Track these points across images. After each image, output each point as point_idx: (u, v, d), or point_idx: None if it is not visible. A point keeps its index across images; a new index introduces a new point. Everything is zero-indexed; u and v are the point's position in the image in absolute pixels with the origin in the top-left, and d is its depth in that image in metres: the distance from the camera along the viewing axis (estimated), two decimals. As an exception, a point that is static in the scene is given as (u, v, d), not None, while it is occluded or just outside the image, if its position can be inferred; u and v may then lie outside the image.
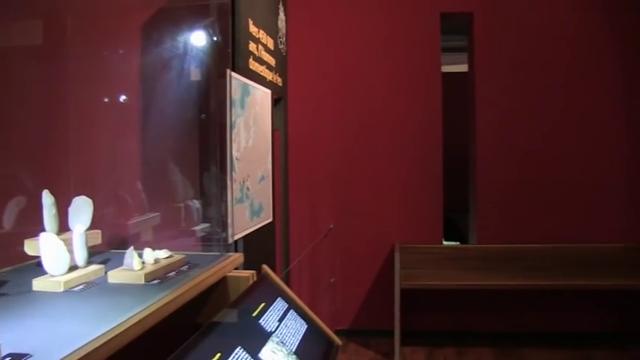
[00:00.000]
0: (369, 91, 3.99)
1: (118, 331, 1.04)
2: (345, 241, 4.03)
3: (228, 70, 1.97)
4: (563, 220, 3.92)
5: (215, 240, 1.99)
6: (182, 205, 2.46)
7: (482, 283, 3.64)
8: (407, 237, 3.97)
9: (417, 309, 4.03)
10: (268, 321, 1.61)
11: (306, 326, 1.78)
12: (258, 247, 2.50)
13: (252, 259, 2.15)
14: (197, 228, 2.30)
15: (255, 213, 2.43)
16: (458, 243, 4.58)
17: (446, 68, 5.06)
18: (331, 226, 3.99)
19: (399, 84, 3.98)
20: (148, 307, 1.20)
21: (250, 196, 2.33)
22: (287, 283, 3.30)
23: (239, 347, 1.36)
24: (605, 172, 3.91)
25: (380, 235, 4.00)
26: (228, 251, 1.94)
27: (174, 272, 1.53)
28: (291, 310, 1.79)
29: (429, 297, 3.99)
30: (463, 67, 4.41)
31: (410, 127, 3.97)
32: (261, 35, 2.67)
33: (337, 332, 4.03)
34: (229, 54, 1.97)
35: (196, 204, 2.42)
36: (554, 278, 3.63)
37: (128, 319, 1.11)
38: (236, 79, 2.18)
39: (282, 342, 1.56)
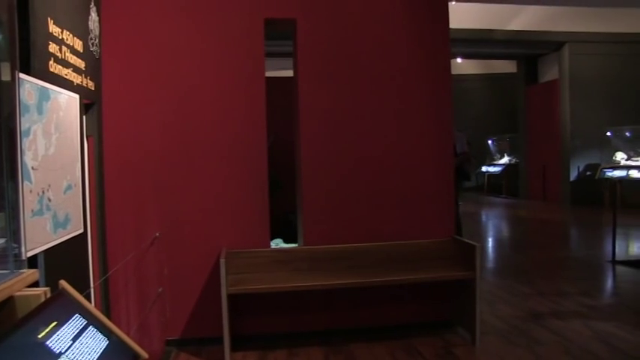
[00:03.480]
0: (192, 96, 3.93)
1: None
2: (173, 249, 3.94)
3: (16, 73, 1.82)
4: (383, 220, 4.17)
5: (10, 257, 1.83)
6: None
7: (310, 284, 3.75)
8: (234, 242, 3.97)
9: (249, 313, 4.04)
10: (58, 341, 1.50)
11: (106, 342, 1.70)
12: (64, 262, 2.34)
13: (58, 275, 2.00)
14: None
15: (60, 225, 2.27)
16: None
17: (280, 73, 5.13)
18: (157, 234, 3.87)
19: (223, 89, 3.97)
20: None
21: (52, 208, 2.18)
22: (106, 297, 3.14)
23: (16, 373, 1.26)
24: (419, 174, 4.23)
25: (208, 241, 3.96)
26: (21, 268, 1.80)
27: (-54, 296, 1.37)
28: (90, 327, 1.69)
29: (259, 301, 4.02)
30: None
31: (234, 132, 3.98)
32: (66, 36, 2.51)
33: (168, 342, 3.95)
34: (17, 55, 1.82)
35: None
36: (378, 275, 3.85)
37: None
38: (31, 83, 2.03)
39: (73, 362, 1.47)
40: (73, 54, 2.62)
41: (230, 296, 3.64)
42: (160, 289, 3.90)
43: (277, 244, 5.12)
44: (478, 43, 12.87)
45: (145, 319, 3.80)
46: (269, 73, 4.21)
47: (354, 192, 4.13)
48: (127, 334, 3.45)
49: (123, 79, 3.72)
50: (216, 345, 3.78)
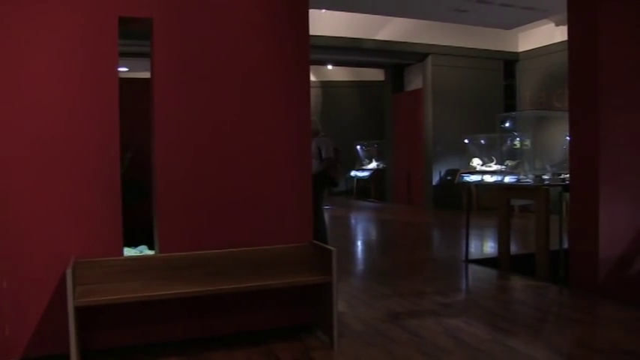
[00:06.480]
0: (36, 94, 3.66)
1: None
2: (15, 259, 3.62)
3: None
4: (240, 226, 4.14)
5: None
6: None
7: (165, 293, 3.63)
8: (85, 251, 3.75)
9: (102, 326, 3.83)
10: None
11: None
12: None
13: None
14: None
15: None
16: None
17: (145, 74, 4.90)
18: (-6, 245, 3.55)
19: (71, 89, 3.74)
20: None
21: None
22: None
23: None
24: (277, 180, 4.25)
25: (55, 250, 3.69)
26: None
27: None
28: None
29: (113, 312, 3.81)
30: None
31: (83, 134, 3.76)
32: None
33: (9, 364, 3.63)
34: None
35: None
36: (235, 281, 3.80)
37: None
38: None
39: None
40: None
41: (79, 309, 3.43)
42: (-3, 306, 3.59)
43: (142, 250, 4.95)
44: (348, 51, 13.31)
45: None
46: (143, 75, 4.08)
47: (212, 198, 4.06)
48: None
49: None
50: (63, 362, 3.54)
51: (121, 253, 3.90)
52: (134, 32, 4.29)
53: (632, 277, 5.39)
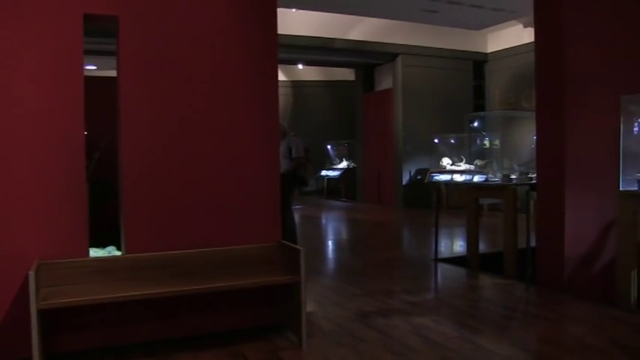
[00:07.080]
0: (4, 94, 3.58)
1: None
2: (-28, 262, 3.53)
3: None
4: (208, 226, 4.10)
5: None
6: None
7: (132, 294, 3.56)
8: (50, 252, 3.66)
9: (68, 329, 3.74)
10: None
11: None
12: None
13: None
14: None
15: None
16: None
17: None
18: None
19: (35, 86, 3.65)
20: None
21: None
22: None
23: None
24: (245, 179, 4.22)
25: (18, 252, 3.59)
26: None
27: None
28: None
29: (79, 315, 3.73)
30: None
31: (47, 133, 3.68)
32: None
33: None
34: None
35: None
36: (203, 282, 3.76)
37: None
38: None
39: None
40: None
41: (42, 312, 3.34)
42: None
43: (110, 251, 4.86)
44: (319, 50, 13.29)
45: None
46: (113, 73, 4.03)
47: (179, 197, 4.01)
48: None
49: None
50: (24, 367, 3.45)
51: (87, 254, 3.82)
52: (103, 30, 4.21)
53: (597, 274, 5.49)
